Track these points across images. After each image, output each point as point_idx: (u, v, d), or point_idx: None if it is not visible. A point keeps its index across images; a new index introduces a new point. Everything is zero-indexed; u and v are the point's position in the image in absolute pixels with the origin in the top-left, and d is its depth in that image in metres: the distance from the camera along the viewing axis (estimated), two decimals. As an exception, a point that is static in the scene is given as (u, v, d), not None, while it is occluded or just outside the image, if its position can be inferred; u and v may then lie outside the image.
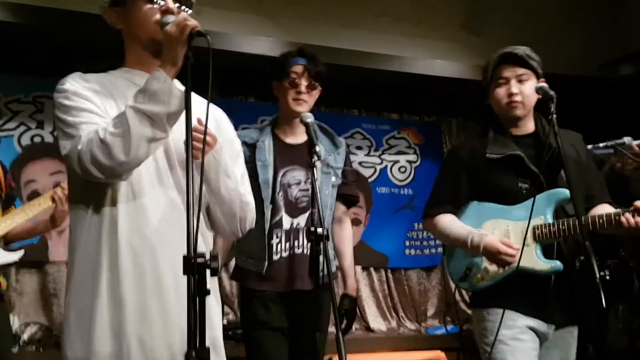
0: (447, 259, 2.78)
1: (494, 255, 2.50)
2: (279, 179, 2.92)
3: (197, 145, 1.68)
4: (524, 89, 2.57)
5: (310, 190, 2.94)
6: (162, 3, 1.86)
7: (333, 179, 3.05)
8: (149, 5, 1.87)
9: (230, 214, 1.96)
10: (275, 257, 2.89)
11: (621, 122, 4.86)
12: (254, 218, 2.06)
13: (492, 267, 2.56)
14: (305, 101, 2.96)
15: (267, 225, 2.88)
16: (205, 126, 1.64)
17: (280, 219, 2.92)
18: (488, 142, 2.64)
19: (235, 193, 1.94)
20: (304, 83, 2.95)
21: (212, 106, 2.04)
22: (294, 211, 2.95)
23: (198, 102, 1.89)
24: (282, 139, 3.01)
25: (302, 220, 2.96)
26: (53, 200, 3.11)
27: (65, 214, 3.14)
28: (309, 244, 2.85)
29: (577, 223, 2.37)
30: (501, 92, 2.61)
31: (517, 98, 2.57)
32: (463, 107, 6.85)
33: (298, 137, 3.03)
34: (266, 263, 2.86)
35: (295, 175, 2.98)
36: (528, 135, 2.65)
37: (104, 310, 1.75)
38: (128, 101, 1.72)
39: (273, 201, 2.90)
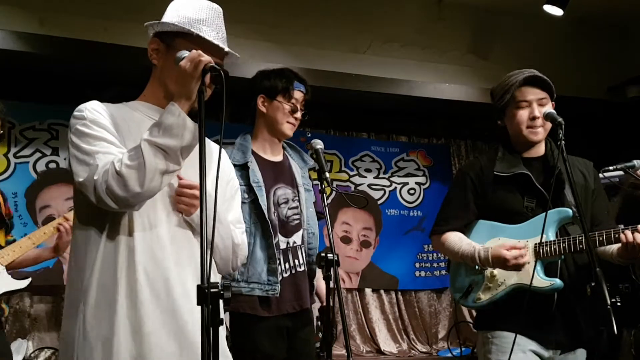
0: (451, 277, 2.80)
1: (504, 265, 2.51)
2: (271, 198, 2.86)
3: (185, 200, 1.85)
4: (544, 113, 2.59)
5: (302, 211, 2.92)
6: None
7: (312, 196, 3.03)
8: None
9: (225, 259, 2.00)
10: (279, 279, 2.83)
11: (629, 144, 4.89)
12: (245, 255, 2.09)
13: (492, 285, 2.58)
14: (296, 127, 2.94)
15: (274, 248, 2.82)
16: (201, 181, 1.61)
17: (278, 240, 2.86)
18: (497, 160, 2.66)
19: (228, 239, 1.97)
20: (300, 110, 2.93)
21: (214, 145, 2.06)
22: (287, 231, 2.90)
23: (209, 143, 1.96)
24: (264, 157, 2.92)
25: (297, 238, 2.92)
26: (58, 229, 3.15)
27: (68, 243, 3.19)
28: (306, 263, 2.89)
29: (577, 241, 2.40)
30: (524, 114, 2.58)
31: (539, 122, 2.57)
32: (471, 129, 6.93)
33: (277, 154, 2.97)
34: (279, 286, 2.79)
35: (282, 193, 2.91)
36: (537, 158, 2.66)
37: (121, 339, 1.76)
38: (143, 134, 1.76)
39: (270, 222, 2.83)
